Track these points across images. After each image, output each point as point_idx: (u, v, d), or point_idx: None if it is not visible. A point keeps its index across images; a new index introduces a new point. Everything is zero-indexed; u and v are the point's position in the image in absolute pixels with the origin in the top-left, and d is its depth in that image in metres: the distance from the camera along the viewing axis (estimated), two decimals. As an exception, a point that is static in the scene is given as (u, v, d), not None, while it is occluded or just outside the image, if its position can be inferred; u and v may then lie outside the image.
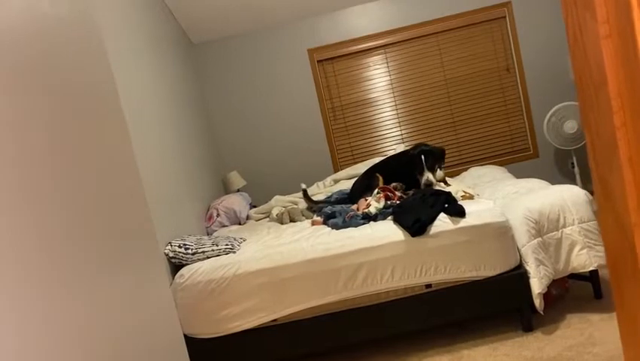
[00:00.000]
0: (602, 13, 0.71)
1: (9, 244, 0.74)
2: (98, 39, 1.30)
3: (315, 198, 3.66)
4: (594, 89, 0.78)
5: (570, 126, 4.17)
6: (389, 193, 2.92)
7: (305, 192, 3.64)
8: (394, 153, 3.66)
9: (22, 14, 0.94)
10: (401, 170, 3.30)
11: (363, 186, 3.31)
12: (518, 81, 4.69)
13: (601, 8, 0.71)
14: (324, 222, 2.92)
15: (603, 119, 0.76)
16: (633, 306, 0.77)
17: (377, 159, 3.91)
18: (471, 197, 2.76)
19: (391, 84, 4.73)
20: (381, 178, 3.29)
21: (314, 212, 3.37)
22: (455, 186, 3.03)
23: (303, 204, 3.61)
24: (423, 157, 3.12)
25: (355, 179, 3.62)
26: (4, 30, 0.86)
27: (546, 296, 2.51)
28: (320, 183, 4.17)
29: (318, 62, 4.72)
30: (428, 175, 3.10)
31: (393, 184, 3.15)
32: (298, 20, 4.68)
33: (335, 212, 2.97)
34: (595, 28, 0.73)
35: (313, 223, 3.02)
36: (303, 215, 3.41)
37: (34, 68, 0.95)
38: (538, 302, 2.36)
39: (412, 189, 3.17)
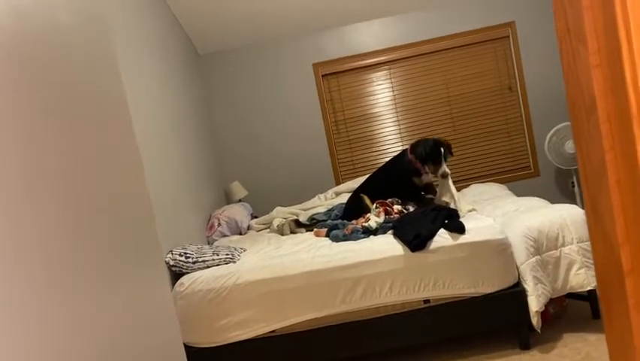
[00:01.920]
0: (593, 44, 0.75)
1: (9, 245, 0.76)
2: (111, 52, 1.34)
3: (315, 211, 3.68)
4: (585, 114, 0.82)
5: (571, 146, 4.21)
6: (387, 208, 2.95)
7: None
8: (377, 169, 3.60)
9: (39, 23, 0.98)
10: (389, 181, 3.25)
11: (353, 208, 3.30)
12: (520, 100, 4.74)
13: (592, 40, 0.75)
14: (327, 234, 2.94)
15: (593, 143, 0.80)
16: (620, 324, 0.80)
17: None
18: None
19: (394, 100, 4.79)
20: (366, 197, 3.25)
21: (313, 224, 3.40)
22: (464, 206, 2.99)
23: (303, 217, 3.64)
24: (442, 149, 3.01)
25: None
26: (21, 37, 0.90)
27: (544, 315, 2.52)
28: (321, 196, 4.20)
29: (322, 76, 4.78)
30: (445, 167, 3.01)
31: (390, 200, 3.14)
32: (304, 35, 4.76)
33: (337, 224, 3.01)
34: (586, 57, 0.77)
35: (316, 234, 3.05)
36: (303, 227, 3.45)
37: (47, 74, 0.99)
38: (535, 320, 2.37)
39: (408, 200, 3.16)
